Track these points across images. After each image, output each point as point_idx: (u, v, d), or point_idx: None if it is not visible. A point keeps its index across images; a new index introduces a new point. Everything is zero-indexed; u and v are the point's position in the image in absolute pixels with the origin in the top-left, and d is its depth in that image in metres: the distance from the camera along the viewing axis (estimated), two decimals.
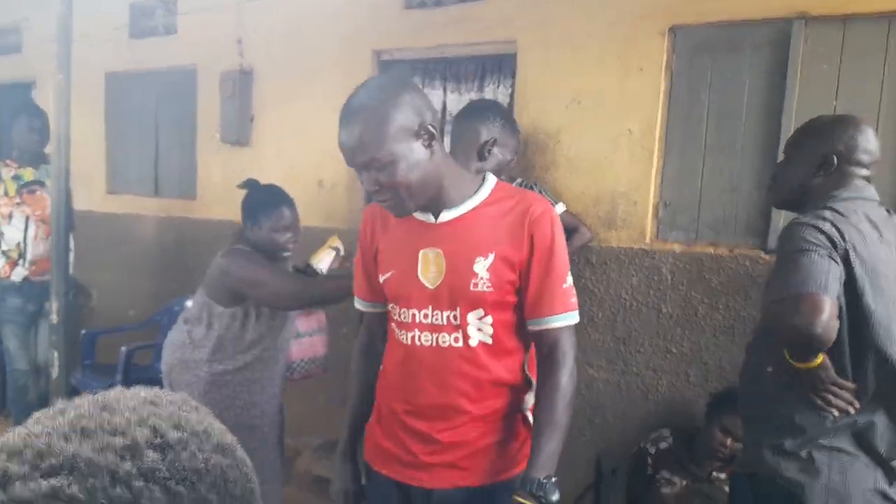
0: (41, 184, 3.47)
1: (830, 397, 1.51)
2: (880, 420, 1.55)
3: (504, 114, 2.00)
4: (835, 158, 1.61)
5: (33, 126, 3.48)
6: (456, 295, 1.37)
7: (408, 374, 1.45)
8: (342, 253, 2.65)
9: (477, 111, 2.06)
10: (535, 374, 1.49)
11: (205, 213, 4.18)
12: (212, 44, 4.08)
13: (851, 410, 1.52)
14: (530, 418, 1.47)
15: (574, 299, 1.42)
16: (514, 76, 3.19)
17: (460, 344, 1.39)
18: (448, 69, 3.45)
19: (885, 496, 1.57)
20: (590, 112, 2.96)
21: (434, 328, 1.40)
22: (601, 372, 2.99)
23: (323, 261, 2.58)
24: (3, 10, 5.09)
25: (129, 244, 4.51)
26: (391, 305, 1.49)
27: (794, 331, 1.44)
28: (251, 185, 2.42)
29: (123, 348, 3.42)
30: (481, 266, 1.36)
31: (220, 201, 4.04)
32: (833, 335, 1.45)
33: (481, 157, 1.95)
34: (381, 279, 1.48)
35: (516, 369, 1.46)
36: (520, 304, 1.41)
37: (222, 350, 2.24)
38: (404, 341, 1.45)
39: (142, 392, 0.54)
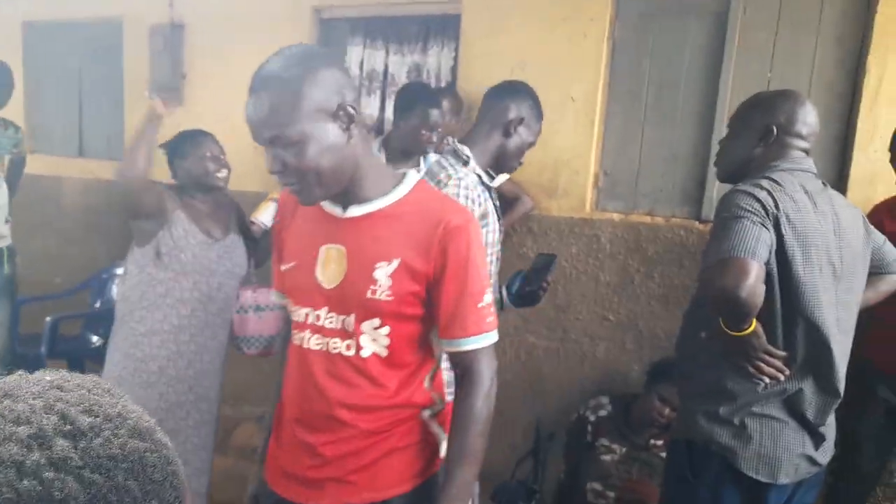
0: None
1: (762, 365, 1.55)
2: (808, 387, 1.60)
3: (534, 97, 2.00)
4: (775, 129, 1.65)
5: None
6: (351, 300, 1.23)
7: (299, 379, 1.32)
8: None
9: (509, 89, 2.07)
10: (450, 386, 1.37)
11: None
12: None
13: (781, 378, 1.57)
14: (436, 430, 1.35)
15: (491, 318, 1.26)
16: (458, 39, 3.12)
17: (352, 353, 1.25)
18: (391, 29, 3.35)
19: (811, 460, 1.64)
20: (535, 77, 2.89)
21: (326, 332, 1.27)
22: (541, 339, 3.03)
23: (265, 214, 2.53)
24: None
25: (53, 207, 4.28)
26: (287, 301, 1.36)
27: (720, 293, 1.47)
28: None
29: (48, 318, 3.26)
30: (383, 272, 1.21)
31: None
32: (759, 300, 1.48)
33: (507, 134, 1.90)
34: (282, 269, 1.35)
35: (416, 384, 1.31)
36: (427, 317, 1.27)
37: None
38: (297, 342, 1.32)
39: (46, 376, 0.51)
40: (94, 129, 4.32)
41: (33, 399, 0.46)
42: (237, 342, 2.57)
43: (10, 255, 3.26)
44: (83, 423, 0.45)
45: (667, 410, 2.34)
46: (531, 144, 2.02)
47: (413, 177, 1.29)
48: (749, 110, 1.74)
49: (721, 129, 2.63)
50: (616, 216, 2.86)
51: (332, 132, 1.16)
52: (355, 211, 1.25)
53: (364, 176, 1.23)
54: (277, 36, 3.49)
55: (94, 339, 3.80)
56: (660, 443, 2.39)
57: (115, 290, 3.73)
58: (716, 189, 2.70)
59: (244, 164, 3.65)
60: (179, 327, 2.19)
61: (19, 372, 0.53)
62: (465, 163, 1.84)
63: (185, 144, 2.36)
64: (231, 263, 2.34)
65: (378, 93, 3.39)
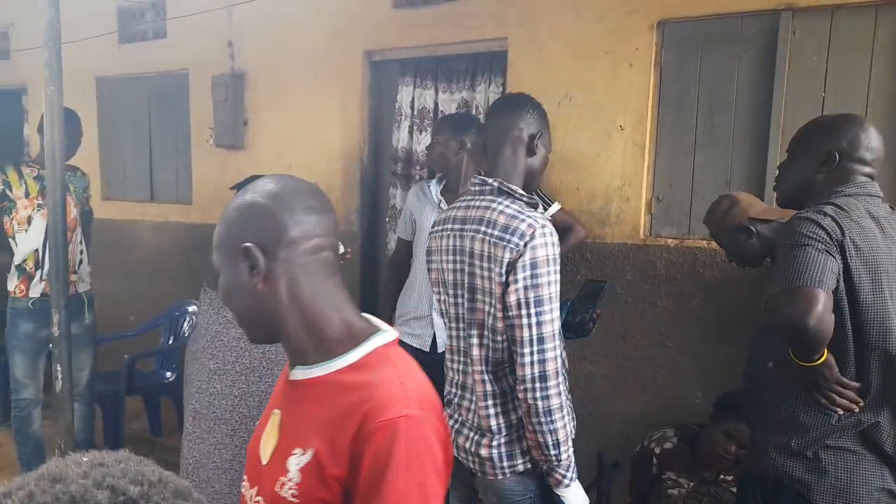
0: (65, 188, 3.34)
1: (834, 396, 1.51)
2: (885, 419, 1.55)
3: (534, 101, 1.86)
4: (837, 155, 1.63)
5: (65, 131, 3.33)
6: (266, 490, 0.97)
7: None
8: (346, 254, 2.66)
9: (515, 106, 1.88)
10: None
11: (201, 217, 4.20)
12: (203, 47, 4.08)
13: (855, 409, 1.52)
14: None
15: None
16: (505, 73, 3.20)
17: None
18: (439, 68, 3.46)
19: (893, 494, 1.58)
20: (581, 108, 2.98)
21: None
22: (599, 367, 3.02)
23: None
24: None
25: (127, 250, 4.53)
26: None
27: (788, 323, 1.45)
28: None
29: (126, 356, 3.43)
30: (294, 462, 0.93)
31: (216, 205, 4.06)
32: (828, 330, 1.46)
33: (531, 153, 1.78)
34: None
35: None
36: None
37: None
38: None
39: (83, 457, 0.55)
40: (163, 175, 4.58)
41: (82, 479, 0.50)
42: None
43: (89, 302, 3.44)
44: (134, 493, 0.49)
45: (733, 448, 2.28)
46: (549, 154, 1.90)
47: (375, 341, 0.97)
48: (810, 135, 1.72)
49: (775, 153, 2.62)
50: (671, 242, 2.86)
51: (238, 272, 0.96)
52: (298, 374, 0.99)
53: (299, 331, 0.97)
54: (332, 80, 3.67)
55: (168, 374, 3.97)
56: (730, 478, 2.33)
57: (186, 326, 3.90)
58: None
59: None
60: (250, 367, 2.30)
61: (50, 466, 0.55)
62: (535, 206, 1.73)
63: None
64: None
65: (429, 130, 3.50)
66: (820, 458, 1.57)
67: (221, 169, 4.08)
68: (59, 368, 2.53)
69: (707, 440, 2.39)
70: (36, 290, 3.23)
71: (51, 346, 2.55)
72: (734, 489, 2.31)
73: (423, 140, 3.50)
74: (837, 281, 1.49)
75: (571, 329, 2.08)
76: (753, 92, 2.71)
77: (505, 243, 1.61)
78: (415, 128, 3.52)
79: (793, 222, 1.56)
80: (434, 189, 2.69)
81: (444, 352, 2.61)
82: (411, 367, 0.98)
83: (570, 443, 1.66)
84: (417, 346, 2.70)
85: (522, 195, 1.71)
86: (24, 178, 3.25)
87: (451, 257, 1.78)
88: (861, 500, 1.55)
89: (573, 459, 1.67)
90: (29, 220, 3.24)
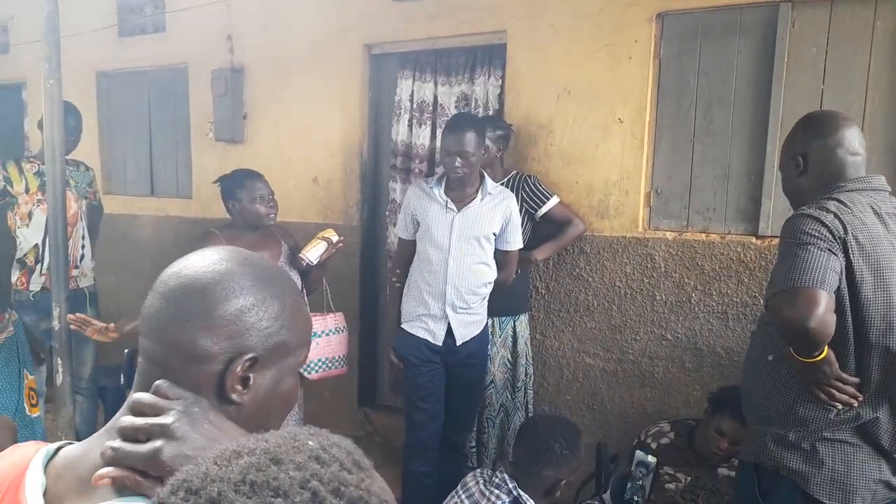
0: (66, 183, 3.32)
1: (834, 392, 1.51)
2: (884, 414, 1.55)
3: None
4: (800, 160, 1.65)
5: (67, 124, 3.12)
6: None
7: None
8: (339, 243, 2.69)
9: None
10: None
11: (201, 211, 4.20)
12: (202, 41, 4.07)
13: (854, 404, 1.52)
14: None
15: None
16: (504, 67, 3.20)
17: None
18: (439, 61, 3.45)
19: (889, 486, 1.59)
20: (580, 102, 2.98)
21: None
22: (598, 360, 3.03)
23: (312, 252, 2.64)
24: None
25: (127, 244, 4.53)
26: None
27: (789, 324, 1.45)
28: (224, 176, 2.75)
29: (126, 350, 3.44)
30: None
31: (215, 199, 4.01)
32: (829, 329, 1.45)
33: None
34: None
35: None
36: None
37: None
38: None
39: (310, 441, 0.55)
40: (163, 169, 4.58)
41: (294, 470, 0.50)
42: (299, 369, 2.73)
43: (92, 297, 3.45)
44: None
45: (725, 444, 2.29)
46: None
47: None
48: (785, 144, 1.76)
49: (774, 145, 2.61)
50: (670, 234, 2.86)
51: None
52: None
53: None
54: (331, 74, 3.66)
55: None
56: (731, 473, 2.33)
57: None
58: (772, 204, 2.67)
59: (303, 197, 3.81)
60: None
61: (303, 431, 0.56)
62: None
63: (236, 188, 2.65)
64: None
65: (429, 123, 3.49)
66: (817, 449, 1.57)
67: (221, 163, 4.07)
68: (59, 362, 2.54)
69: (701, 436, 2.39)
70: (36, 284, 3.26)
71: (52, 340, 2.56)
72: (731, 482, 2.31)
73: (423, 134, 3.50)
74: (839, 279, 1.47)
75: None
76: (753, 84, 2.71)
77: None
78: (414, 121, 3.52)
79: (795, 220, 1.55)
80: (437, 190, 2.68)
81: (463, 344, 2.65)
82: None
83: None
84: (431, 341, 2.72)
85: None
86: (24, 174, 3.26)
87: None
88: (858, 492, 1.56)
89: None
90: (30, 216, 3.24)
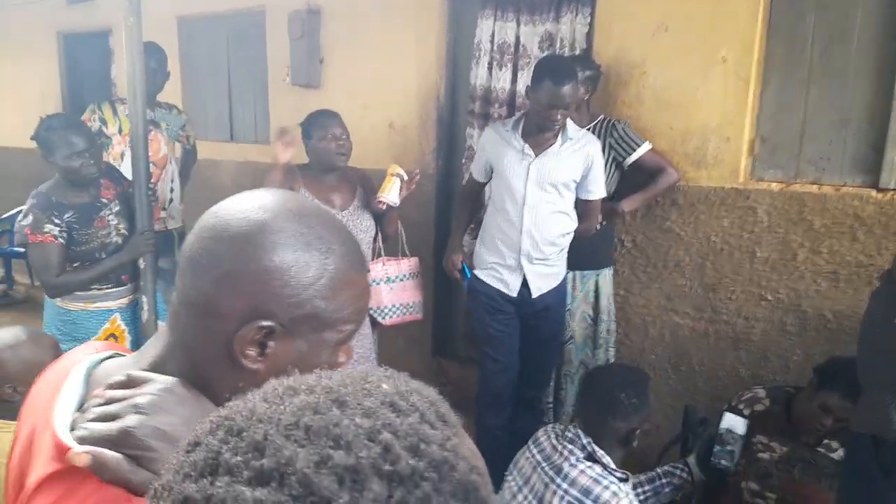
0: (156, 125, 3.33)
1: None
2: None
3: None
4: None
5: (148, 66, 3.13)
6: None
7: None
8: (414, 176, 2.64)
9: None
10: None
11: None
12: None
13: None
14: None
15: None
16: (593, 4, 2.96)
17: None
18: None
19: None
20: (678, 39, 2.72)
21: None
22: (687, 319, 2.85)
23: (392, 192, 2.59)
24: None
25: (209, 190, 4.59)
26: None
27: None
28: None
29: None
30: None
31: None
32: None
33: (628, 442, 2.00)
34: None
35: None
36: None
37: None
38: None
39: (384, 384, 0.44)
40: (242, 115, 4.60)
41: (361, 417, 0.40)
42: (373, 314, 2.73)
43: (180, 238, 3.53)
44: (404, 468, 0.38)
45: (830, 421, 2.09)
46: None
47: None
48: None
49: None
50: (775, 186, 2.61)
51: None
52: None
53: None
54: (409, 15, 3.51)
55: None
56: (833, 444, 2.15)
57: None
58: None
59: (379, 143, 3.73)
60: None
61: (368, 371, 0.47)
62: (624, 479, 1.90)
63: (311, 127, 2.61)
64: (355, 230, 2.45)
65: (510, 65, 3.31)
66: None
67: (298, 108, 4.02)
68: (144, 300, 2.60)
69: (802, 408, 2.20)
70: None
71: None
72: (834, 455, 2.13)
73: (503, 77, 3.32)
74: None
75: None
76: (879, 19, 2.38)
77: None
78: (494, 64, 3.34)
79: None
80: (514, 134, 2.53)
81: (539, 297, 2.55)
82: None
83: None
84: (505, 292, 2.62)
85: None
86: (117, 115, 3.31)
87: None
88: None
89: None
90: (122, 156, 3.28)
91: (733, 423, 2.13)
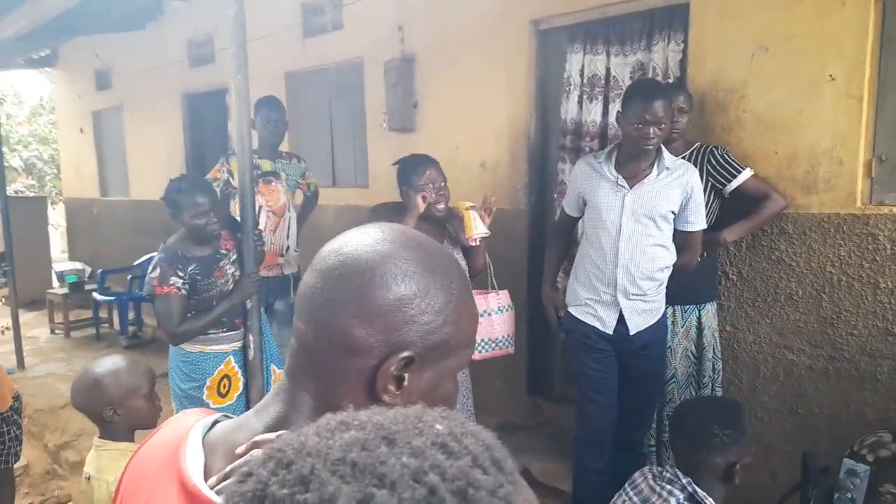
0: (276, 175, 3.55)
1: None
2: None
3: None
4: None
5: (270, 118, 3.50)
6: None
7: None
8: (490, 202, 2.64)
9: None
10: None
11: (377, 199, 4.33)
12: (375, 34, 4.20)
13: None
14: None
15: None
16: (686, 29, 2.88)
17: None
18: (611, 30, 3.22)
19: None
20: (780, 59, 2.59)
21: None
22: (803, 357, 2.63)
23: (477, 225, 2.59)
24: (196, 24, 5.67)
25: (315, 233, 4.84)
26: None
27: None
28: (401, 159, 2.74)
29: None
30: None
31: (390, 187, 4.14)
32: None
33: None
34: None
35: None
36: None
37: None
38: None
39: (437, 424, 0.43)
40: (343, 161, 4.82)
41: (409, 456, 0.40)
42: None
43: (295, 282, 3.70)
44: None
45: None
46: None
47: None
48: None
49: None
50: None
51: None
52: None
53: None
54: (499, 54, 3.57)
55: None
56: None
57: None
58: None
59: (471, 181, 3.78)
60: None
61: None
62: None
63: (410, 175, 2.63)
64: None
65: (600, 98, 3.27)
66: None
67: (394, 152, 4.16)
68: (251, 338, 2.74)
69: None
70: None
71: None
72: None
73: (594, 110, 3.29)
74: None
75: None
76: None
77: None
78: (584, 97, 3.32)
79: None
80: (607, 166, 2.47)
81: (636, 334, 2.45)
82: None
83: None
84: (601, 329, 2.54)
85: None
86: None
87: None
88: None
89: None
90: None
91: (853, 467, 1.94)
